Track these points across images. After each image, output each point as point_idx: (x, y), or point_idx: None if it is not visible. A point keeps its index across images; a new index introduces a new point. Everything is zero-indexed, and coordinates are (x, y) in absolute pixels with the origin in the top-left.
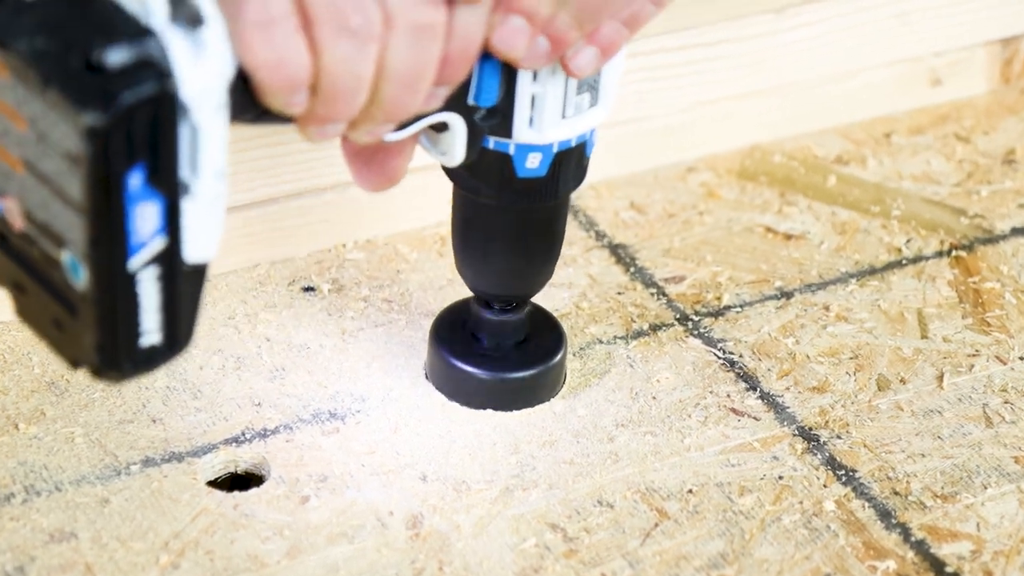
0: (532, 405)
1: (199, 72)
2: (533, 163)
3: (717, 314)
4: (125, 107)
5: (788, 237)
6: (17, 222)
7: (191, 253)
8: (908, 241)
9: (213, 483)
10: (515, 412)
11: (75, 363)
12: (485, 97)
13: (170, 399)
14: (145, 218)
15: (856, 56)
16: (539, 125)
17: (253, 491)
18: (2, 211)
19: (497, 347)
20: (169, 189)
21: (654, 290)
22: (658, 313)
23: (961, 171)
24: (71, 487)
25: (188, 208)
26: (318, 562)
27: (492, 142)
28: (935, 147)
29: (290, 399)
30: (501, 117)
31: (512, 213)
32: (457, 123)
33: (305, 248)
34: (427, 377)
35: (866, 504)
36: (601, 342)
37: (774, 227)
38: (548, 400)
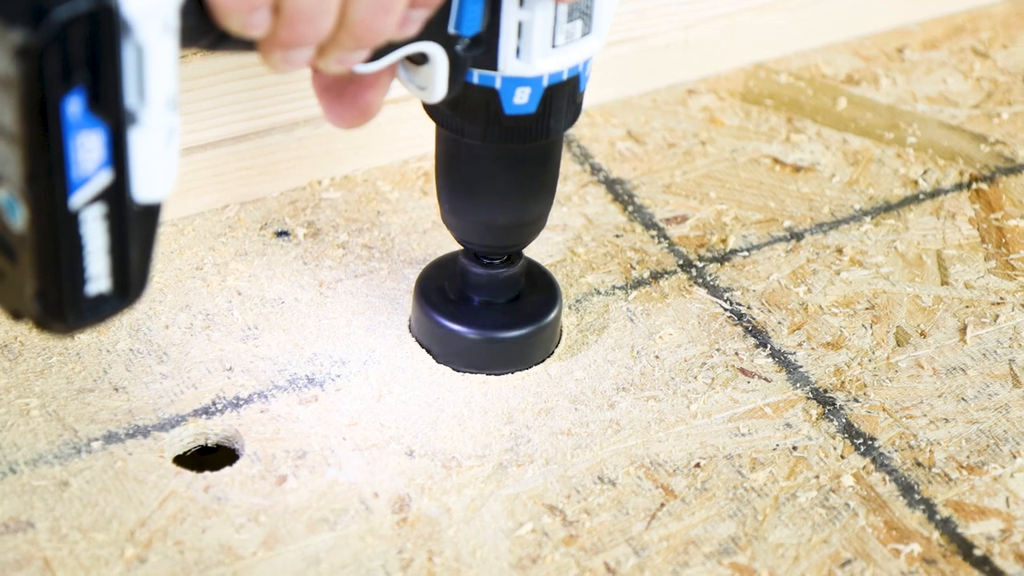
0: (525, 367)
1: None
2: (522, 98)
3: (723, 259)
4: (58, 23)
5: (797, 169)
6: None
7: (141, 191)
8: (925, 172)
9: (181, 456)
10: (508, 376)
11: (16, 315)
12: (467, 25)
13: (133, 364)
14: (87, 149)
15: None
16: (527, 56)
17: (226, 471)
18: None
19: (487, 305)
20: (113, 117)
21: (654, 232)
22: (659, 259)
23: (980, 90)
24: (27, 468)
25: (136, 140)
26: (297, 553)
27: (477, 76)
28: (951, 63)
29: (264, 363)
30: (485, 47)
31: (500, 155)
32: (437, 54)
33: (277, 187)
34: (411, 333)
35: (887, 477)
36: (599, 293)
37: (781, 158)
38: (542, 361)
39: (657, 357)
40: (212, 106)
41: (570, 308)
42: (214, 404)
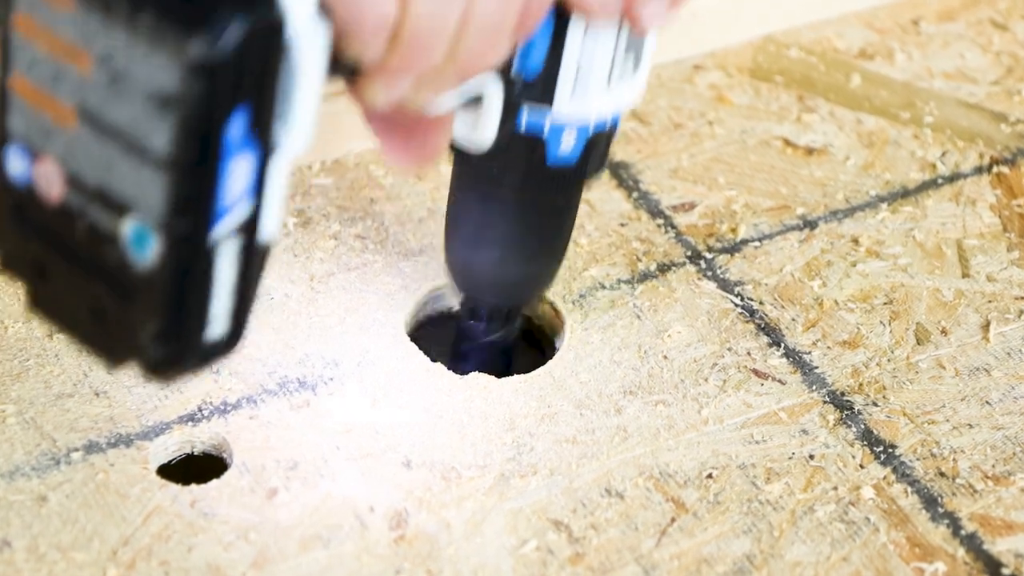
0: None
1: (305, 2)
2: (567, 146)
3: (733, 250)
4: (241, 34)
5: (809, 152)
6: (55, 190)
7: (267, 228)
8: (943, 155)
9: (166, 466)
10: (509, 378)
11: (116, 359)
12: (532, 60)
13: None
14: (237, 176)
15: None
16: (583, 92)
17: (213, 483)
18: (29, 179)
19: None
20: (265, 141)
21: (661, 221)
22: (667, 250)
23: (999, 66)
24: (3, 482)
25: (273, 168)
26: (289, 573)
27: (524, 124)
28: (968, 36)
29: (253, 364)
30: (542, 85)
31: (527, 206)
32: (494, 95)
33: None
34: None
35: (909, 489)
36: (603, 287)
37: (793, 140)
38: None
39: (666, 357)
40: None
41: (574, 304)
42: (200, 410)
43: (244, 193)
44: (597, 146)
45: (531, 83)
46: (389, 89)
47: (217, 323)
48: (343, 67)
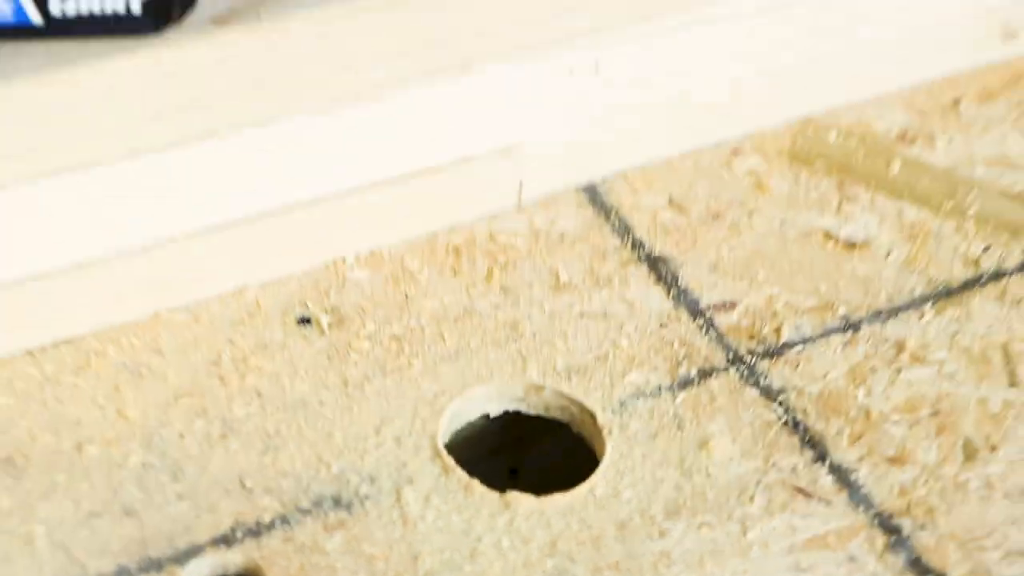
0: None
1: None
2: None
3: (775, 353)
4: None
5: (851, 246)
6: None
7: None
8: (986, 249)
9: None
10: (551, 497)
11: None
12: None
13: (146, 481)
14: None
15: (917, 4)
16: None
17: None
18: None
19: None
20: None
21: (702, 321)
22: (708, 354)
23: None
24: None
25: None
26: None
27: None
28: (1010, 118)
29: (287, 480)
30: None
31: None
32: None
33: (299, 265)
34: None
35: None
36: (644, 394)
37: (834, 232)
38: None
39: (708, 474)
40: (230, 183)
41: (614, 412)
42: (233, 531)
43: None
44: None
45: None
46: None
47: None
48: None
